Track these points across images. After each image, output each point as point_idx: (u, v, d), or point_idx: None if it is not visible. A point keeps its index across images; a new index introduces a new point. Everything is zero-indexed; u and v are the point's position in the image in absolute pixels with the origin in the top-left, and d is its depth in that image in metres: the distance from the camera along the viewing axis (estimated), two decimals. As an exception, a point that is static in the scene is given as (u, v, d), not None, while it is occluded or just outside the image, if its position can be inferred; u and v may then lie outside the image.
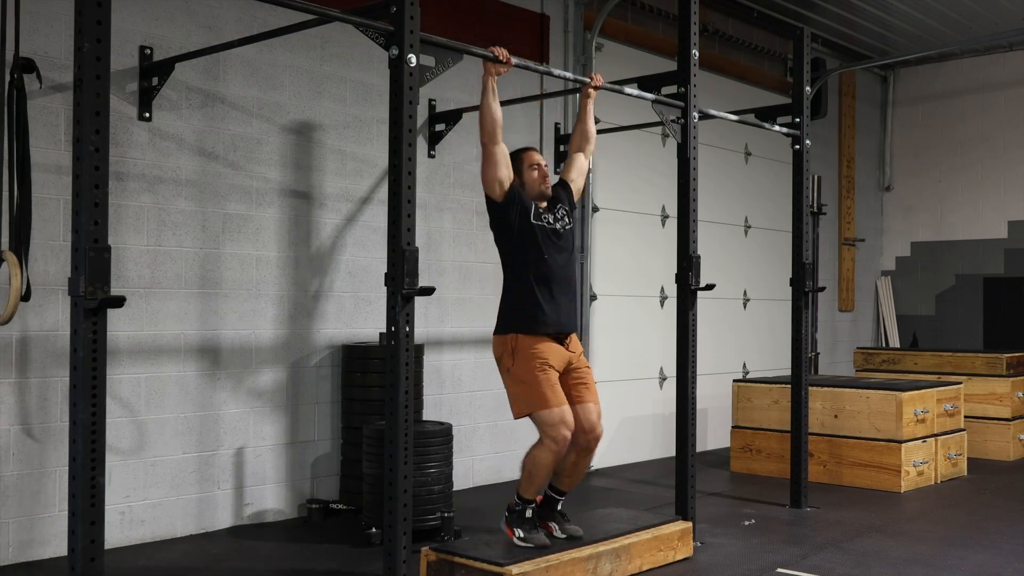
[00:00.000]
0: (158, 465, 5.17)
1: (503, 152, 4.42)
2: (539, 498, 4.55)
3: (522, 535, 4.38)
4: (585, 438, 4.43)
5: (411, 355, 4.02)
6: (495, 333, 4.48)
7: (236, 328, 5.50)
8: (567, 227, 4.56)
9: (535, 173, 4.53)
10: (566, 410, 4.30)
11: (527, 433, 4.46)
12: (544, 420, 4.26)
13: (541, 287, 4.40)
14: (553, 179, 4.74)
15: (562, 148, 7.17)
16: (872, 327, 11.35)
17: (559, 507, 4.58)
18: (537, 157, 4.58)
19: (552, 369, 4.36)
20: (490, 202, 4.47)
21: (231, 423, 5.47)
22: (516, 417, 4.42)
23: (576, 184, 4.78)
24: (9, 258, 4.11)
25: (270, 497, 5.64)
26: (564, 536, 4.47)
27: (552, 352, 4.38)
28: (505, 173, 4.41)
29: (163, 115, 5.19)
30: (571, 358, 4.48)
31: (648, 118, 6.40)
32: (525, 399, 4.33)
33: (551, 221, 4.49)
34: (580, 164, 4.85)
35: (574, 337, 4.56)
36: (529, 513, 4.43)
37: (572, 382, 4.48)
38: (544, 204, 4.55)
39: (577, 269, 4.64)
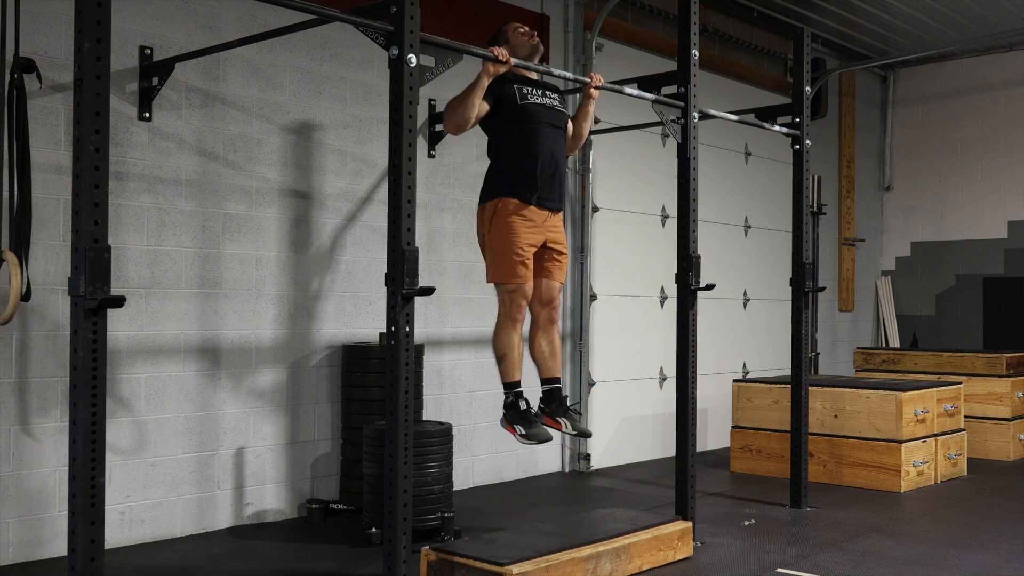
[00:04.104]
0: (158, 465, 5.17)
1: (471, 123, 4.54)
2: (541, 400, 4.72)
3: (524, 431, 4.45)
4: (546, 311, 4.68)
5: (411, 355, 4.02)
6: (479, 204, 4.68)
7: (236, 328, 5.50)
8: (557, 106, 4.71)
9: (520, 31, 4.75)
10: (527, 286, 4.52)
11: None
12: (504, 288, 4.51)
13: (528, 156, 4.57)
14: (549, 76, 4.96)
15: (562, 148, 7.16)
16: (872, 327, 11.35)
17: (566, 400, 4.68)
18: (516, 23, 4.77)
19: (524, 245, 4.50)
20: (481, 123, 4.64)
21: (231, 423, 5.47)
22: (488, 281, 4.64)
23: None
24: (9, 258, 4.11)
25: (270, 497, 5.64)
26: (575, 432, 4.60)
27: (529, 226, 4.50)
28: (481, 107, 4.52)
29: (163, 115, 5.19)
30: (548, 237, 4.60)
31: (648, 118, 6.40)
32: (494, 268, 4.55)
33: (540, 98, 4.63)
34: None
35: (558, 217, 4.64)
36: (523, 405, 4.51)
37: (545, 259, 4.66)
38: (531, 84, 4.67)
39: (565, 155, 4.77)
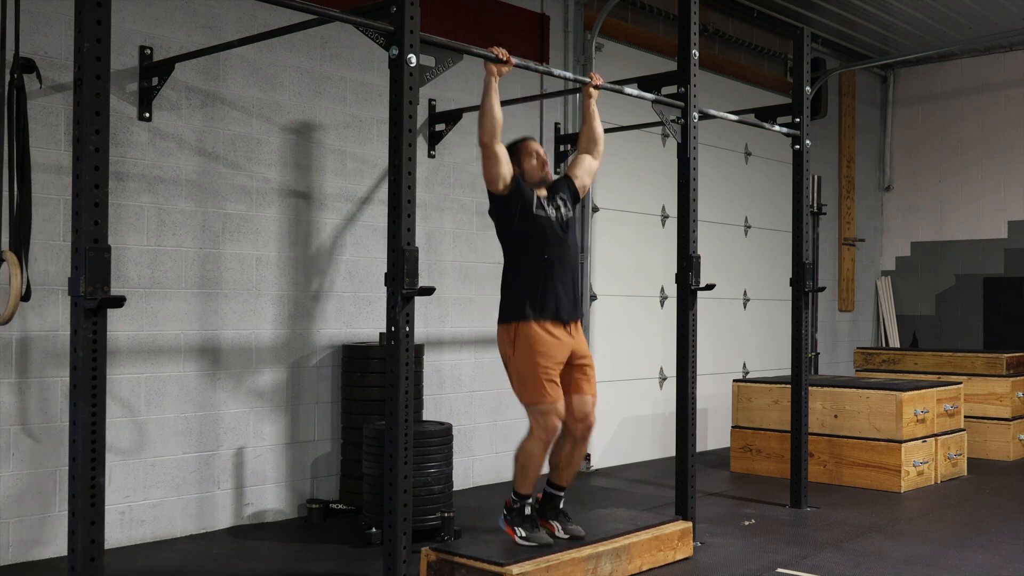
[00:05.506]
0: (158, 465, 5.17)
1: (503, 149, 4.48)
2: (540, 496, 4.59)
3: (524, 534, 4.40)
4: (578, 427, 4.53)
5: (411, 355, 4.02)
6: (499, 323, 4.54)
7: (236, 328, 5.50)
8: (567, 217, 4.62)
9: (534, 161, 4.60)
10: (559, 405, 4.40)
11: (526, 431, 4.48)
12: (537, 409, 4.39)
13: (542, 276, 4.46)
14: (555, 177, 4.78)
15: (562, 148, 7.17)
16: (872, 327, 11.35)
17: (561, 505, 4.59)
18: (535, 146, 4.64)
19: (551, 364, 4.40)
20: (493, 196, 4.54)
21: (231, 423, 5.47)
22: (520, 402, 4.51)
23: (580, 181, 4.79)
24: (9, 258, 4.11)
25: (270, 497, 5.64)
26: (567, 536, 4.49)
27: (553, 343, 4.40)
28: (507, 169, 4.47)
29: (163, 115, 5.19)
30: (574, 348, 4.51)
31: (648, 118, 6.40)
32: (522, 390, 4.45)
33: (552, 211, 4.55)
34: (587, 164, 4.84)
35: (578, 326, 4.58)
36: (528, 510, 4.46)
37: (573, 373, 4.54)
38: (544, 194, 4.59)
39: (579, 262, 4.73)
